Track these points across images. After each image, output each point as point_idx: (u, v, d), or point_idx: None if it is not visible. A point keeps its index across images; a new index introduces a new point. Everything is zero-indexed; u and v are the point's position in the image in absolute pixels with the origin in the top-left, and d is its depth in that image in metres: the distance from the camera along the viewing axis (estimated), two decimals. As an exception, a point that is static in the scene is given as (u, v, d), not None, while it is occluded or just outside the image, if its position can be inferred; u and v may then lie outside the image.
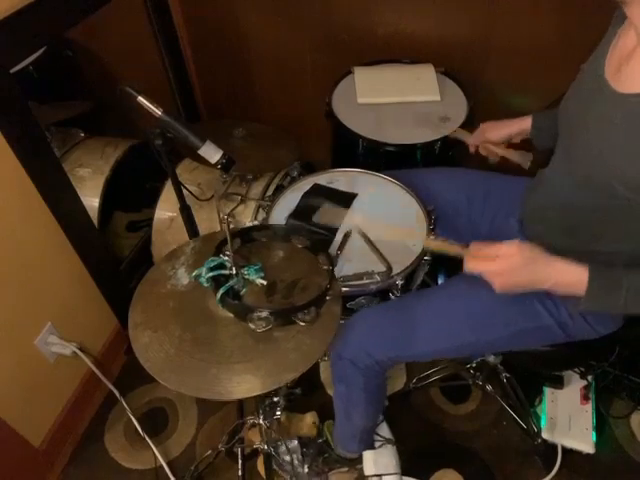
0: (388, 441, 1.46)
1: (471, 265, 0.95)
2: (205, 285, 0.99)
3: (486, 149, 1.35)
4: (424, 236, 1.17)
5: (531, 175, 1.19)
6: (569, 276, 0.92)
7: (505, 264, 0.92)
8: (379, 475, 1.40)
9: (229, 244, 0.95)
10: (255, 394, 0.87)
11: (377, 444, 1.45)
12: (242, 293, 0.99)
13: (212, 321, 0.96)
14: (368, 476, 1.41)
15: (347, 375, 1.19)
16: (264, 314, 0.93)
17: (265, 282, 1.00)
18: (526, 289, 0.94)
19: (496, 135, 1.31)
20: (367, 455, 1.43)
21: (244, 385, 0.87)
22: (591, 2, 1.53)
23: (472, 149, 1.39)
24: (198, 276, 0.99)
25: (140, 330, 0.94)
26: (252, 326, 0.93)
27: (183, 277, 1.03)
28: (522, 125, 1.29)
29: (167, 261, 1.07)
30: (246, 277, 1.00)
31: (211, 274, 0.97)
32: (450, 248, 1.00)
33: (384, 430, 1.49)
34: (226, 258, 0.99)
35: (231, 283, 0.97)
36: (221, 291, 0.95)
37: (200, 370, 0.88)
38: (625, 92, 0.84)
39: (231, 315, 0.96)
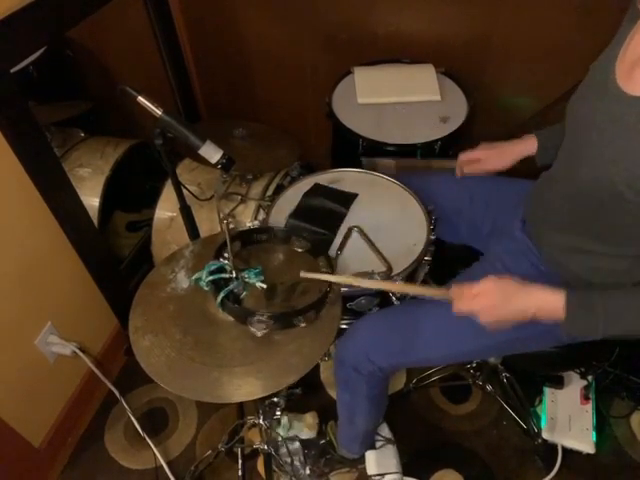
0: (388, 441, 1.47)
1: (457, 307, 0.97)
2: (205, 289, 0.98)
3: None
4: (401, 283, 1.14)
5: (534, 177, 1.18)
6: (548, 303, 0.93)
7: (485, 301, 0.94)
8: (382, 474, 1.42)
9: (228, 247, 0.95)
10: (256, 397, 0.87)
11: (378, 444, 1.46)
12: (242, 297, 1.00)
13: (212, 324, 0.96)
14: (371, 475, 1.43)
15: (350, 382, 1.20)
16: (264, 317, 0.93)
17: (265, 285, 1.00)
18: (511, 321, 0.95)
19: (501, 164, 1.26)
20: (369, 455, 1.45)
21: (245, 388, 0.87)
22: (591, 2, 1.53)
23: (458, 173, 1.33)
24: (198, 280, 0.99)
25: (141, 334, 0.94)
26: (252, 329, 0.93)
27: (183, 281, 1.03)
28: (524, 151, 1.24)
29: (167, 264, 1.07)
30: (246, 280, 0.99)
31: (211, 278, 0.97)
32: (431, 292, 1.04)
33: (384, 430, 1.50)
34: (226, 262, 0.99)
35: (231, 287, 0.97)
36: (221, 295, 0.95)
37: (201, 374, 0.88)
38: (639, 95, 0.83)
39: (231, 318, 0.96)
